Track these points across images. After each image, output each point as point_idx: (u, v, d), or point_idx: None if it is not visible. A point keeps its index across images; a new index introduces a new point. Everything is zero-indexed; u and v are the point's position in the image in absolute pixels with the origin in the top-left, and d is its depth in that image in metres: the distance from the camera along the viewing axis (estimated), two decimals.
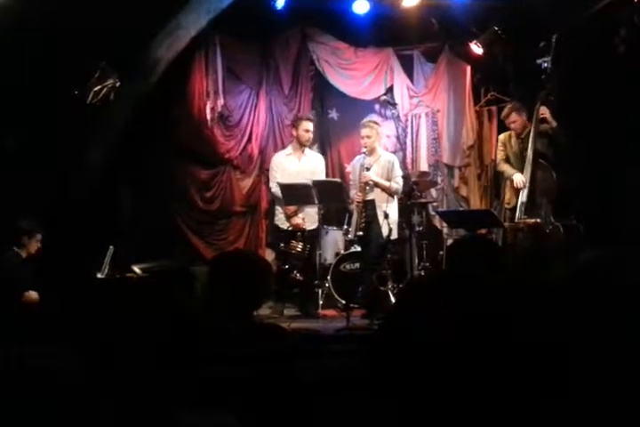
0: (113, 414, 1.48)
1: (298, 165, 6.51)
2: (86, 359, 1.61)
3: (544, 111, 5.87)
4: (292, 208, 6.34)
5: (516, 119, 6.07)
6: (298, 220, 6.32)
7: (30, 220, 5.45)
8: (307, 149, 6.61)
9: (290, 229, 6.33)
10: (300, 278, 6.13)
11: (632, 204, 5.80)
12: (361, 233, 6.07)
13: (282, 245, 6.28)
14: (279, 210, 6.48)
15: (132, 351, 1.54)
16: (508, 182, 6.28)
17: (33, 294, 4.94)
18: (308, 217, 6.39)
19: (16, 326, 2.32)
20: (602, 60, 5.87)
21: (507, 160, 6.22)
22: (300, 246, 6.15)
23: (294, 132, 6.57)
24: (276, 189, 6.39)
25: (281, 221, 6.44)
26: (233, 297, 2.40)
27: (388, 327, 0.89)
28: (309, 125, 6.50)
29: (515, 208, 5.94)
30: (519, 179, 5.91)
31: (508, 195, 6.25)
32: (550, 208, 5.89)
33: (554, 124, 5.88)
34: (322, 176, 6.57)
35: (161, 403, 1.48)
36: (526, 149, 6.02)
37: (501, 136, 6.39)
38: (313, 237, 6.40)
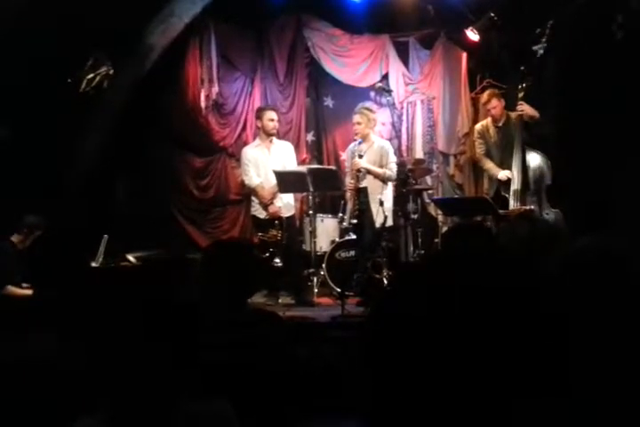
0: (111, 402, 1.48)
1: (268, 155, 6.49)
2: (82, 348, 1.61)
3: (524, 108, 5.88)
4: (268, 197, 6.35)
5: (495, 105, 6.13)
6: (275, 208, 6.34)
7: (38, 217, 5.44)
8: (274, 139, 6.58)
9: (267, 217, 6.34)
10: (280, 265, 6.14)
11: (626, 193, 5.80)
12: (355, 221, 6.06)
13: (260, 234, 6.30)
14: (255, 201, 6.49)
15: (127, 339, 1.54)
16: (486, 174, 6.34)
17: (15, 290, 4.93)
18: (285, 205, 6.42)
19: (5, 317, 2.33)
20: (599, 47, 5.85)
21: (487, 153, 6.24)
22: (278, 235, 6.17)
23: (259, 124, 6.54)
24: (250, 182, 6.42)
25: (258, 211, 6.45)
26: (227, 285, 2.40)
27: (381, 312, 0.88)
28: (273, 115, 6.49)
29: (493, 198, 5.98)
30: (504, 175, 5.95)
31: (486, 185, 6.32)
32: (545, 194, 5.92)
33: (537, 115, 5.91)
34: (293, 164, 6.57)
35: (158, 391, 1.48)
36: (507, 138, 6.05)
37: (478, 127, 6.39)
38: (290, 225, 6.43)
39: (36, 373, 1.38)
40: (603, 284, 0.82)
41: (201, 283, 2.47)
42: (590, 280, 0.83)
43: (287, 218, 6.40)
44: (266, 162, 6.45)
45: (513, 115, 6.09)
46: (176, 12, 6.50)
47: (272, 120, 6.46)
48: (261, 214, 6.42)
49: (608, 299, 0.81)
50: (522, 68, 6.08)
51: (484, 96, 6.28)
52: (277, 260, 6.14)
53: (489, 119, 6.31)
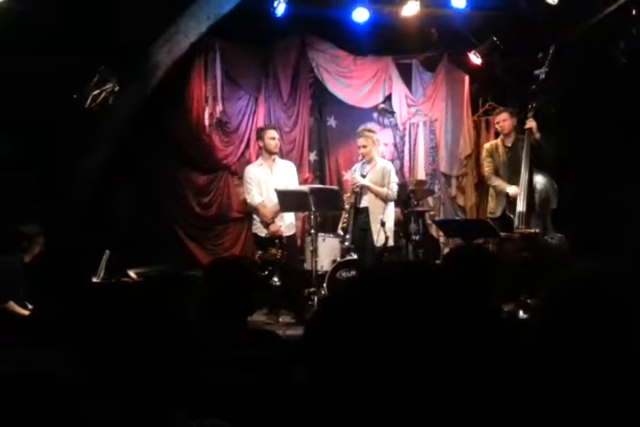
0: (110, 418, 1.48)
1: (270, 174, 6.54)
2: (83, 364, 1.61)
3: (531, 124, 5.94)
4: (269, 216, 6.37)
5: (506, 118, 6.16)
6: (275, 227, 6.37)
7: (32, 225, 5.43)
8: (277, 158, 6.65)
9: (268, 236, 6.36)
10: (278, 284, 6.15)
11: (627, 216, 5.81)
12: (353, 241, 6.17)
13: (260, 252, 6.33)
14: (256, 219, 6.54)
15: (127, 356, 1.54)
16: (492, 192, 6.35)
17: (15, 308, 4.91)
18: (286, 224, 6.46)
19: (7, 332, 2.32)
20: (600, 72, 5.90)
21: (495, 173, 6.27)
22: (278, 254, 6.18)
23: (261, 143, 6.61)
24: (252, 201, 6.49)
25: (259, 229, 6.49)
26: (227, 303, 2.39)
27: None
28: (274, 133, 6.58)
29: (499, 218, 6.00)
30: (514, 191, 5.96)
31: (491, 204, 6.33)
32: (550, 218, 5.93)
33: (537, 135, 5.95)
34: (295, 183, 6.63)
35: (157, 407, 1.47)
36: (515, 159, 6.08)
37: (487, 146, 6.43)
38: (291, 244, 6.47)
39: (32, 388, 1.37)
40: (602, 309, 0.83)
41: (201, 300, 2.47)
42: (589, 305, 0.84)
43: (288, 237, 6.41)
44: (268, 181, 6.49)
45: (521, 136, 6.12)
46: (182, 30, 6.56)
47: (273, 139, 6.52)
48: (262, 233, 6.44)
49: (607, 324, 0.82)
50: (533, 86, 6.12)
51: (496, 112, 6.34)
52: (275, 279, 6.15)
53: (499, 139, 6.33)
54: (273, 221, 6.39)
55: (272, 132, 6.57)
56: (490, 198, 6.44)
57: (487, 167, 6.36)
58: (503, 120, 6.18)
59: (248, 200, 6.60)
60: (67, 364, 1.54)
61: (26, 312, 4.65)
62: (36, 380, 1.41)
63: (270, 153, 6.57)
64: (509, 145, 6.22)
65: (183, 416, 1.48)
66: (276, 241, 6.28)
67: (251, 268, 2.58)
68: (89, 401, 1.41)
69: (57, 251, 2.68)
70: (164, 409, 1.45)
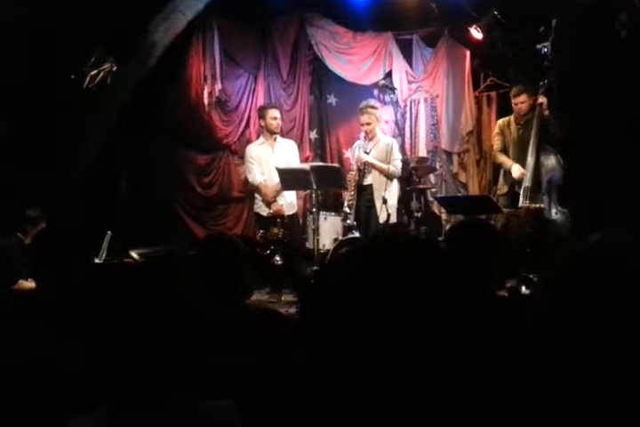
0: (110, 400, 1.48)
1: (272, 153, 6.53)
2: (83, 346, 1.60)
3: (542, 100, 5.89)
4: (270, 195, 6.38)
5: (524, 100, 6.07)
6: (277, 206, 6.39)
7: (36, 209, 5.44)
8: (278, 137, 6.64)
9: (270, 215, 6.36)
10: (280, 263, 6.16)
11: (629, 191, 5.79)
12: (357, 218, 6.14)
13: (261, 231, 6.35)
14: (258, 198, 6.56)
15: (128, 337, 1.53)
16: (502, 170, 6.31)
17: (26, 284, 4.94)
18: (287, 203, 6.48)
19: (11, 313, 2.32)
20: (603, 45, 5.83)
21: (503, 150, 6.23)
22: (280, 233, 6.19)
23: (262, 123, 6.61)
24: (254, 180, 6.51)
25: (261, 208, 6.52)
26: (219, 281, 2.39)
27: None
28: (276, 113, 6.56)
29: (506, 194, 5.97)
30: (517, 170, 5.94)
31: (500, 181, 6.31)
32: (555, 194, 5.91)
33: (546, 112, 5.91)
34: (297, 161, 6.64)
35: (158, 389, 1.47)
36: (527, 136, 6.03)
37: (500, 122, 6.37)
38: (292, 223, 6.48)
39: (34, 371, 1.37)
40: (621, 278, 0.81)
41: (196, 279, 2.47)
42: (608, 275, 0.82)
43: (289, 216, 6.41)
44: (269, 160, 6.48)
45: (533, 114, 6.05)
46: (179, 8, 6.49)
47: (275, 118, 6.49)
48: (264, 212, 6.45)
49: (624, 293, 0.80)
50: (545, 63, 6.05)
51: (516, 90, 6.19)
52: (278, 258, 6.15)
53: (512, 115, 6.27)
54: (275, 200, 6.40)
55: (274, 112, 6.54)
56: (499, 176, 6.39)
57: (496, 145, 6.32)
58: (522, 102, 6.07)
59: (250, 179, 6.60)
60: (66, 347, 1.54)
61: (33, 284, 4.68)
62: (34, 364, 1.40)
63: (272, 133, 6.55)
64: (522, 122, 6.16)
65: (191, 397, 1.48)
66: (278, 220, 6.28)
67: (239, 245, 2.56)
68: (86, 385, 1.41)
69: (55, 230, 2.66)
70: (166, 391, 1.45)
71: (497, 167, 6.88)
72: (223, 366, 1.84)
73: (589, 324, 0.80)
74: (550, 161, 5.93)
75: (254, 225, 7.06)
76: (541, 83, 6.01)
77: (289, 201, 6.51)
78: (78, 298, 2.25)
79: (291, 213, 6.50)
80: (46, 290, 2.39)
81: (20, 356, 1.43)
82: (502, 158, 6.20)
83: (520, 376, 0.82)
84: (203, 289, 2.32)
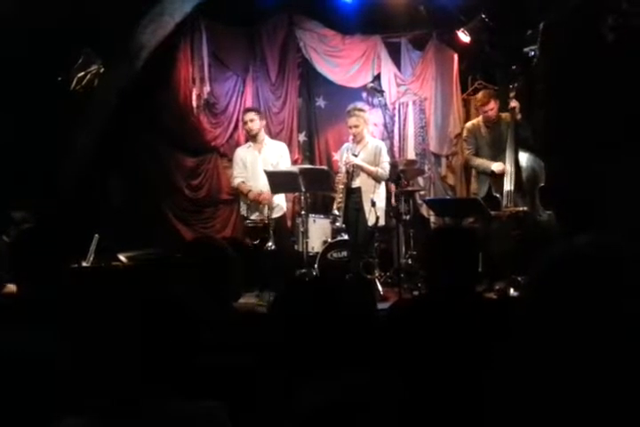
0: (100, 402, 1.47)
1: (258, 156, 6.51)
2: (72, 347, 1.59)
3: (515, 104, 5.92)
4: (247, 189, 6.43)
5: (493, 107, 6.11)
6: (255, 193, 6.35)
7: (22, 212, 5.40)
8: (266, 139, 6.62)
9: (257, 219, 6.37)
10: (273, 248, 6.12)
11: (613, 193, 5.82)
12: (345, 221, 6.15)
13: (247, 221, 6.45)
14: (243, 200, 6.59)
15: (118, 339, 1.52)
16: (474, 173, 6.33)
17: (9, 287, 4.89)
18: (275, 206, 6.42)
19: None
20: (590, 49, 5.86)
21: (476, 152, 6.24)
22: (265, 219, 6.18)
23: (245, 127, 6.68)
24: (232, 182, 6.63)
25: (246, 211, 6.54)
26: (206, 285, 2.38)
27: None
28: (251, 115, 6.53)
29: (484, 198, 5.99)
30: (500, 167, 5.96)
31: (474, 185, 6.32)
32: (537, 196, 5.93)
33: (518, 116, 5.94)
34: (287, 164, 6.59)
35: (148, 390, 1.46)
36: (498, 137, 6.07)
37: (469, 125, 6.38)
38: (278, 226, 6.38)
39: (22, 372, 1.36)
40: (609, 279, 0.81)
41: (183, 282, 2.46)
42: (595, 277, 0.82)
43: (276, 219, 6.38)
44: (254, 162, 6.48)
45: (504, 115, 6.11)
46: (167, 10, 6.47)
47: (251, 121, 6.49)
48: (251, 215, 6.45)
49: (612, 292, 0.81)
50: (513, 67, 6.10)
51: (480, 97, 6.23)
52: (270, 243, 6.11)
53: (480, 118, 6.30)
54: (250, 191, 6.38)
55: (249, 115, 6.55)
56: (473, 179, 6.43)
57: (467, 149, 6.33)
58: (491, 109, 6.11)
59: (232, 184, 6.72)
60: (55, 348, 1.52)
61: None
62: (21, 365, 1.39)
63: (250, 136, 6.58)
64: (490, 125, 6.20)
65: (177, 398, 1.47)
66: (260, 206, 6.30)
67: (226, 248, 2.55)
68: (75, 386, 1.40)
69: (37, 232, 2.63)
70: (156, 392, 1.44)
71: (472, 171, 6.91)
72: (209, 368, 1.83)
73: (582, 323, 0.80)
74: (528, 163, 5.97)
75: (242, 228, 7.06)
76: (511, 86, 6.04)
77: (275, 204, 6.48)
78: (59, 301, 2.24)
79: (277, 215, 6.47)
80: (26, 293, 2.37)
81: (14, 355, 1.42)
82: (478, 161, 6.20)
83: (507, 376, 0.82)
84: (194, 290, 2.31)
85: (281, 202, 6.58)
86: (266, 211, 6.22)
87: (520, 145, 5.97)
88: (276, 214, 6.41)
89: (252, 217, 6.42)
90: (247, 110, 6.73)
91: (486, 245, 5.61)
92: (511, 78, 6.09)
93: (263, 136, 6.63)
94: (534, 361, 0.84)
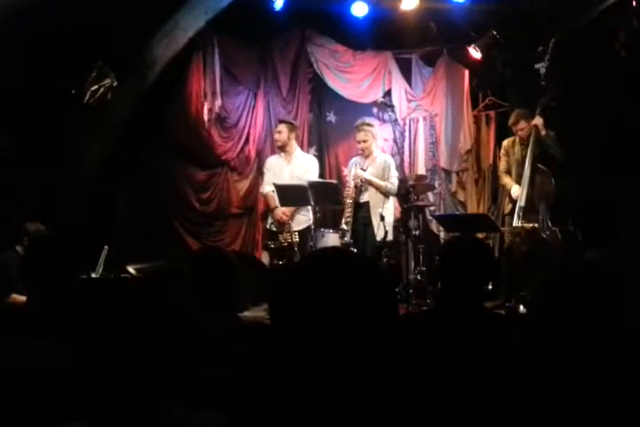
0: (99, 409, 1.46)
1: (287, 167, 6.56)
2: (79, 359, 1.59)
3: (537, 121, 5.90)
4: (273, 204, 6.46)
5: (524, 126, 6.05)
6: (279, 214, 6.41)
7: (37, 223, 5.43)
8: (297, 151, 6.68)
9: (281, 237, 6.38)
10: None
11: (630, 211, 5.78)
12: (354, 236, 6.16)
13: (269, 242, 6.45)
14: (271, 215, 6.64)
15: (124, 350, 1.52)
16: (504, 190, 6.31)
17: (18, 298, 4.91)
18: (297, 221, 6.47)
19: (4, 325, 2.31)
20: (601, 65, 5.86)
21: (508, 170, 6.23)
22: (289, 238, 6.18)
23: None
24: (262, 189, 6.76)
25: (270, 225, 6.64)
26: (210, 295, 2.38)
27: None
28: (280, 126, 6.76)
29: (511, 214, 5.96)
30: (516, 191, 5.96)
31: (505, 200, 6.31)
32: (548, 213, 5.90)
33: (543, 132, 5.92)
34: (315, 177, 6.60)
35: (147, 399, 1.46)
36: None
37: (505, 143, 6.36)
38: (302, 237, 6.37)
39: (25, 380, 1.36)
40: (615, 295, 0.81)
41: (188, 294, 2.46)
42: (603, 291, 0.82)
43: (300, 231, 6.38)
44: (283, 171, 6.61)
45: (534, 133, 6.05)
46: (180, 25, 6.53)
47: (279, 132, 6.72)
48: (274, 227, 6.55)
49: (619, 309, 0.80)
50: (542, 83, 6.07)
51: (513, 117, 6.16)
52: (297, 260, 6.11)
53: (517, 136, 6.26)
54: (276, 207, 6.42)
55: (278, 126, 6.82)
56: (506, 196, 6.39)
57: (501, 166, 6.35)
58: (521, 129, 6.07)
59: (262, 191, 6.86)
60: (60, 358, 1.52)
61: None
62: (25, 373, 1.39)
63: (277, 147, 6.72)
64: (526, 143, 6.16)
65: (177, 408, 1.47)
66: (285, 226, 6.33)
67: (232, 259, 2.55)
68: (77, 393, 1.40)
69: (48, 243, 2.65)
70: (155, 402, 1.44)
71: (496, 186, 6.89)
72: (210, 379, 1.82)
73: (587, 336, 0.79)
74: (544, 181, 5.93)
75: (253, 241, 7.09)
76: (541, 100, 6.03)
77: (297, 216, 6.49)
78: (69, 310, 2.24)
79: (300, 228, 6.46)
80: (35, 304, 2.37)
81: (14, 363, 1.42)
82: (506, 180, 6.21)
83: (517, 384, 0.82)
84: (197, 300, 2.31)
85: (308, 212, 6.53)
86: (292, 228, 6.24)
87: (540, 162, 5.93)
88: (297, 227, 6.40)
89: (275, 229, 6.48)
90: (279, 121, 6.96)
91: (499, 261, 5.59)
92: (538, 94, 6.06)
93: (294, 148, 6.71)
94: (538, 376, 0.83)
